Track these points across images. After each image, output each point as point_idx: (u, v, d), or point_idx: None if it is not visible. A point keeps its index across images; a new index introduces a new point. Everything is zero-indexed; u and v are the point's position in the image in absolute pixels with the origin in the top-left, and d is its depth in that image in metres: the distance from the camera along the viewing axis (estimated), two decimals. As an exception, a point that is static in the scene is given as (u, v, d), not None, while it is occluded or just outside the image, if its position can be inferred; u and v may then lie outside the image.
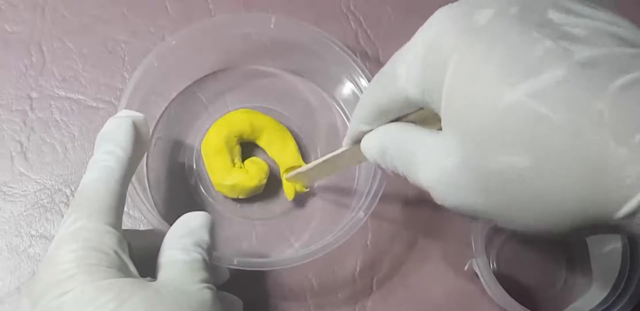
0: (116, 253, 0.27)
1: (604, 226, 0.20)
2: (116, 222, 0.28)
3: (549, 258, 0.42)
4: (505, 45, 0.20)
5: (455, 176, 0.22)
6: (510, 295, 0.37)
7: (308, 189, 0.40)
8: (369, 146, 0.28)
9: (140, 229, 0.39)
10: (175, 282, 0.27)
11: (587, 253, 0.42)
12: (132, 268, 0.27)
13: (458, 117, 0.21)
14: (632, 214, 0.19)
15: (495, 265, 0.41)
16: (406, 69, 0.24)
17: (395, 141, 0.26)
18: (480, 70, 0.21)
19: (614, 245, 0.40)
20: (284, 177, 0.40)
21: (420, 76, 0.23)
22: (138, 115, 0.32)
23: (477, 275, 0.39)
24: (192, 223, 0.30)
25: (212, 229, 0.31)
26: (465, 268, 0.40)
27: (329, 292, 0.40)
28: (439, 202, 0.24)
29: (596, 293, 0.39)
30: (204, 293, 0.27)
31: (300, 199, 0.41)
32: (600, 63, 0.19)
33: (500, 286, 0.37)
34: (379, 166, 0.28)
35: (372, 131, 0.28)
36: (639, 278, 0.37)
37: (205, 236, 0.30)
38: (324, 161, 0.35)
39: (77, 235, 0.27)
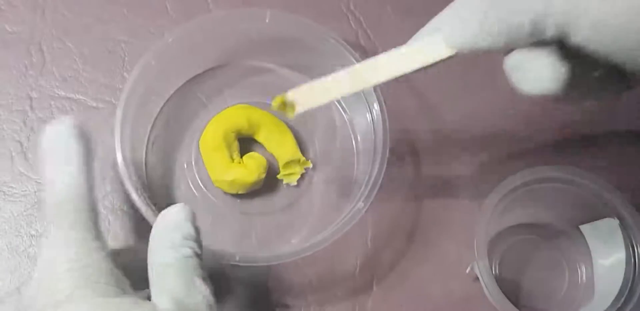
0: (108, 269, 0.27)
1: None
2: (98, 234, 0.28)
3: (553, 267, 0.42)
4: None
5: None
6: (511, 301, 0.36)
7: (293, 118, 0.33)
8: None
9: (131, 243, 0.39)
10: (171, 293, 0.27)
11: (590, 263, 0.41)
12: (125, 282, 0.27)
13: None
14: None
15: (497, 271, 0.41)
16: None
17: None
18: None
19: (618, 256, 0.39)
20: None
21: None
22: (68, 122, 0.30)
23: (478, 278, 0.38)
24: (172, 219, 0.29)
25: (194, 221, 0.29)
26: (467, 271, 0.40)
27: (329, 290, 0.40)
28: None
29: (598, 305, 0.38)
30: (201, 307, 0.27)
31: (299, 193, 0.41)
32: None
33: (501, 292, 0.36)
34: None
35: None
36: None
37: (190, 230, 0.28)
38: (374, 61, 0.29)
39: (66, 252, 0.26)
